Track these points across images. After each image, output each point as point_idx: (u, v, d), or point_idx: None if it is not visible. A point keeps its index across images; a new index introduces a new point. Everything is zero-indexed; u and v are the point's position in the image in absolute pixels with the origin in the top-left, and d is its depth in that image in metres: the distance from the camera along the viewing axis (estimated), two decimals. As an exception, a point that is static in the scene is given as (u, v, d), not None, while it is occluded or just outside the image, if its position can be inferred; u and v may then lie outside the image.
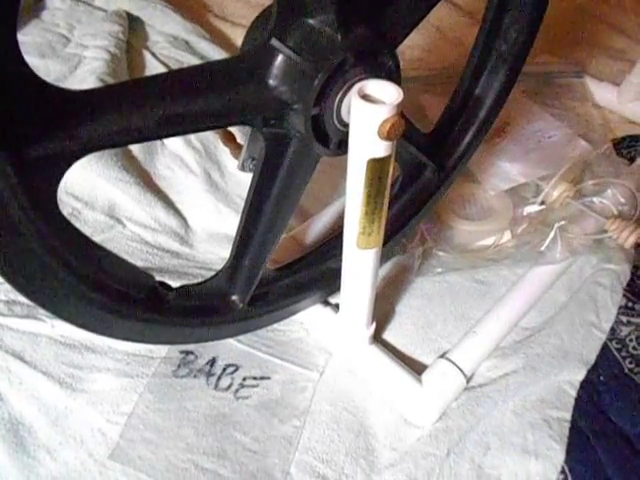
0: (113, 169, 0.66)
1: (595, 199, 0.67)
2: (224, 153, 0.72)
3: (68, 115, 0.27)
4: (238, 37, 0.95)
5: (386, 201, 0.40)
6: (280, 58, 0.34)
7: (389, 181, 0.38)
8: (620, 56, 0.94)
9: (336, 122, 0.36)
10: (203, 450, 0.48)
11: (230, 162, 0.72)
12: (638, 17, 1.00)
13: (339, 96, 0.35)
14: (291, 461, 0.48)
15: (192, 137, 0.73)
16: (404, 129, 0.34)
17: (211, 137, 0.73)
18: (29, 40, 0.82)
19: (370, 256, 0.44)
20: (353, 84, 0.34)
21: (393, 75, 0.37)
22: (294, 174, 0.41)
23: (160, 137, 0.34)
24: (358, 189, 0.38)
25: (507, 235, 0.65)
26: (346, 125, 0.36)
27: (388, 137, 0.33)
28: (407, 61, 0.92)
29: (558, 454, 0.48)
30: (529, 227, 0.64)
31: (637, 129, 0.83)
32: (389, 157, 0.36)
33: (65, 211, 0.64)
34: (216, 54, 0.86)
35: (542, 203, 0.66)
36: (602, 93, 0.86)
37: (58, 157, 0.28)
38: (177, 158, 0.72)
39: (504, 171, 0.69)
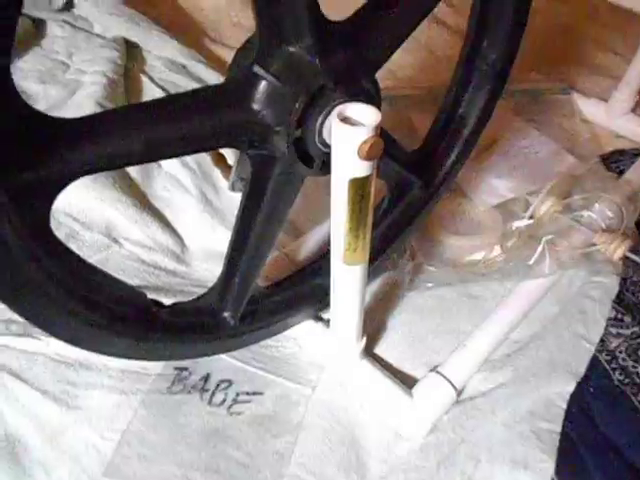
0: (110, 190, 0.68)
1: (583, 213, 0.68)
2: (219, 173, 0.74)
3: (58, 142, 0.29)
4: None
5: (370, 218, 0.41)
6: (263, 84, 0.35)
7: (372, 199, 0.40)
8: (607, 73, 0.96)
9: (318, 144, 0.38)
10: (197, 465, 0.49)
11: (225, 182, 0.74)
12: (624, 34, 1.02)
13: (320, 119, 0.36)
14: (283, 475, 0.49)
15: (188, 158, 0.75)
16: (387, 148, 0.35)
17: (207, 158, 0.75)
18: (29, 67, 0.84)
19: (357, 272, 0.45)
20: (333, 107, 0.36)
21: (372, 98, 0.38)
22: (280, 194, 0.42)
23: (150, 161, 0.35)
24: (342, 207, 0.39)
25: (497, 249, 0.66)
26: (329, 146, 0.38)
27: (368, 157, 0.35)
28: (398, 80, 0.94)
29: (548, 466, 0.49)
30: (518, 241, 0.65)
31: (625, 143, 0.84)
32: (370, 176, 0.37)
33: (63, 232, 0.66)
34: (212, 78, 0.88)
35: (531, 217, 0.67)
36: (590, 109, 0.87)
37: (49, 182, 0.30)
38: (173, 179, 0.73)
39: (493, 187, 0.71)
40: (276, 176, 0.41)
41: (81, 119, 0.30)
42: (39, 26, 0.93)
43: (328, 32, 0.36)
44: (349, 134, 0.34)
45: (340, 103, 0.36)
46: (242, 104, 0.36)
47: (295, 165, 0.39)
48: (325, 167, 0.39)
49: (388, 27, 0.40)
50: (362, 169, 0.36)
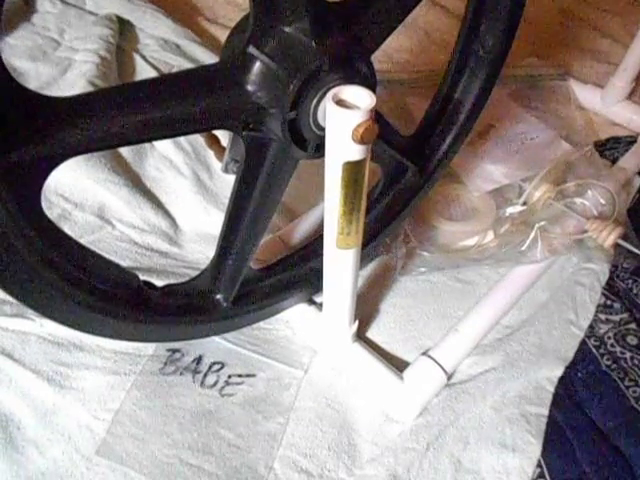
0: (103, 171, 0.67)
1: (576, 200, 0.68)
2: (213, 155, 0.73)
3: (48, 121, 0.28)
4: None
5: (363, 202, 0.41)
6: (257, 65, 0.35)
7: (365, 183, 0.39)
8: (604, 59, 0.96)
9: (313, 126, 0.37)
10: (188, 446, 0.49)
11: (218, 164, 0.73)
12: (622, 19, 1.01)
13: (315, 101, 0.36)
14: (275, 456, 0.49)
15: (181, 139, 0.74)
16: (382, 132, 0.35)
17: (200, 139, 0.74)
18: (19, 44, 0.83)
19: (350, 256, 0.45)
20: (328, 90, 0.35)
21: (368, 81, 0.38)
22: (274, 176, 0.42)
23: (141, 141, 0.35)
24: (335, 191, 0.39)
25: (490, 235, 0.66)
26: (323, 129, 0.38)
27: (362, 141, 0.35)
28: (395, 64, 0.93)
29: (535, 448, 0.49)
30: (511, 227, 0.65)
31: (621, 131, 0.84)
32: (364, 160, 0.37)
33: (55, 212, 0.65)
34: (206, 57, 0.87)
35: (524, 204, 0.67)
36: (586, 95, 0.87)
37: (40, 161, 0.29)
38: (166, 160, 0.73)
39: (488, 172, 0.71)
40: (270, 158, 0.41)
41: (73, 98, 0.30)
42: (29, 1, 0.91)
43: (324, 13, 0.35)
44: (343, 117, 0.34)
45: (335, 85, 0.35)
46: (236, 85, 0.36)
47: (289, 147, 0.38)
48: (319, 150, 0.39)
49: (384, 9, 0.39)
50: (356, 153, 0.36)
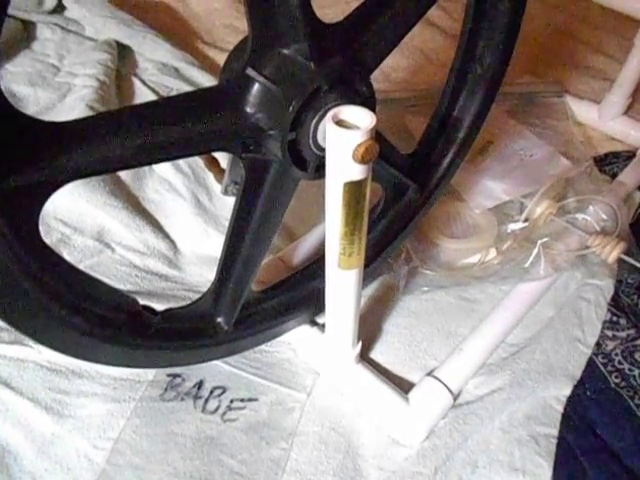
0: (101, 194, 0.67)
1: (578, 216, 0.68)
2: (212, 177, 0.73)
3: (47, 146, 0.28)
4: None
5: (365, 222, 0.40)
6: (256, 87, 0.35)
7: (367, 203, 0.39)
8: (600, 75, 0.96)
9: (313, 147, 0.37)
10: (190, 474, 0.48)
11: (218, 185, 0.73)
12: (617, 36, 1.03)
13: (314, 122, 0.36)
14: (279, 483, 0.48)
15: (180, 161, 0.74)
16: (382, 151, 0.35)
17: (199, 161, 0.74)
18: (19, 70, 0.83)
19: (352, 276, 0.44)
20: (328, 110, 0.35)
21: (367, 101, 0.38)
22: (274, 198, 0.41)
23: (140, 165, 0.34)
24: (336, 211, 0.39)
25: (492, 252, 0.65)
26: (323, 149, 0.37)
27: (363, 161, 0.34)
28: (392, 83, 0.94)
29: (545, 471, 0.48)
30: (514, 244, 0.65)
31: (618, 146, 0.85)
32: (365, 180, 0.37)
33: (54, 237, 0.65)
34: (205, 80, 0.88)
35: (526, 220, 0.67)
36: (583, 111, 0.87)
37: (38, 186, 0.29)
38: (165, 182, 0.73)
39: (488, 189, 0.70)
40: (270, 180, 0.40)
41: (71, 122, 0.30)
42: (29, 29, 0.92)
43: (322, 34, 0.35)
44: (344, 137, 0.34)
45: (335, 106, 0.35)
46: (235, 107, 0.35)
47: (289, 169, 0.38)
48: (319, 171, 0.39)
49: (383, 29, 0.40)
50: (357, 172, 0.36)
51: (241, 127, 0.36)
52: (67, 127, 0.29)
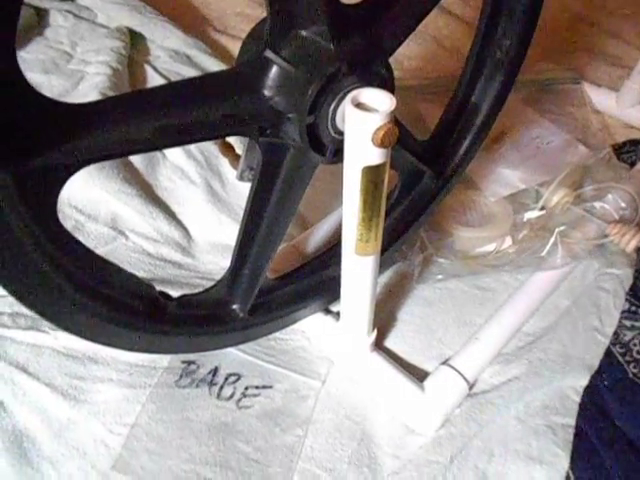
0: (115, 181, 0.67)
1: (596, 204, 0.67)
2: (225, 164, 0.73)
3: (66, 128, 0.28)
4: (238, 50, 0.96)
5: (383, 208, 0.40)
6: (274, 69, 0.34)
7: (385, 188, 0.39)
8: (617, 62, 0.94)
9: (331, 130, 0.37)
10: (206, 460, 0.48)
11: (231, 173, 0.73)
12: (635, 23, 1.00)
13: (333, 105, 0.35)
14: (294, 470, 0.48)
15: (193, 148, 0.74)
16: (399, 136, 0.34)
17: (212, 148, 0.74)
18: (33, 57, 0.83)
19: (369, 263, 0.44)
20: (347, 93, 0.35)
21: (387, 83, 0.37)
22: (291, 183, 0.41)
23: (157, 148, 0.34)
24: (354, 196, 0.38)
25: (508, 241, 0.65)
26: (341, 133, 0.37)
27: (382, 144, 0.34)
28: (406, 70, 0.93)
29: (562, 460, 0.48)
30: (530, 233, 0.64)
31: (637, 134, 0.83)
32: (384, 164, 0.36)
33: (68, 224, 0.65)
34: (217, 67, 0.87)
35: (542, 209, 0.66)
36: (601, 99, 0.86)
37: (57, 169, 0.29)
38: (178, 169, 0.72)
39: (504, 177, 0.70)
40: (287, 164, 0.40)
41: (90, 104, 0.29)
42: (42, 15, 0.92)
43: (342, 15, 0.35)
44: (363, 120, 0.33)
45: (354, 88, 0.35)
46: (253, 90, 0.35)
47: (307, 153, 0.38)
48: (337, 155, 0.39)
49: (402, 10, 0.39)
50: (376, 157, 0.35)
51: (259, 110, 0.35)
52: (87, 109, 0.29)
